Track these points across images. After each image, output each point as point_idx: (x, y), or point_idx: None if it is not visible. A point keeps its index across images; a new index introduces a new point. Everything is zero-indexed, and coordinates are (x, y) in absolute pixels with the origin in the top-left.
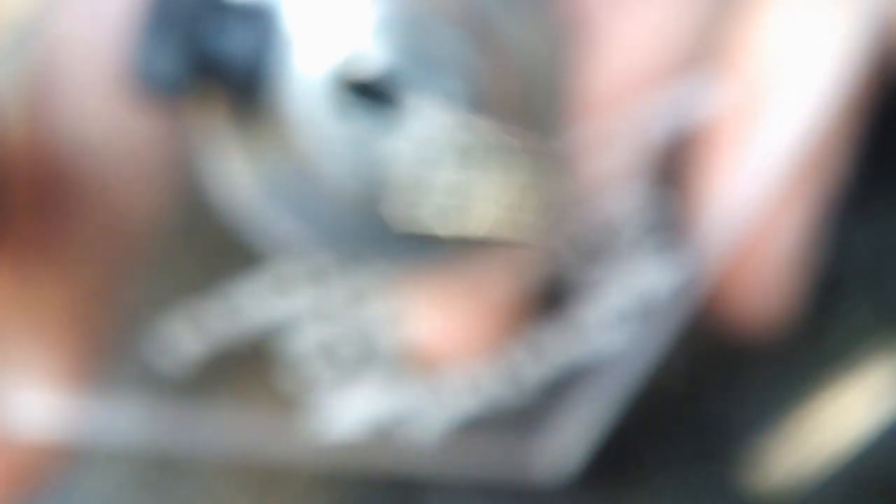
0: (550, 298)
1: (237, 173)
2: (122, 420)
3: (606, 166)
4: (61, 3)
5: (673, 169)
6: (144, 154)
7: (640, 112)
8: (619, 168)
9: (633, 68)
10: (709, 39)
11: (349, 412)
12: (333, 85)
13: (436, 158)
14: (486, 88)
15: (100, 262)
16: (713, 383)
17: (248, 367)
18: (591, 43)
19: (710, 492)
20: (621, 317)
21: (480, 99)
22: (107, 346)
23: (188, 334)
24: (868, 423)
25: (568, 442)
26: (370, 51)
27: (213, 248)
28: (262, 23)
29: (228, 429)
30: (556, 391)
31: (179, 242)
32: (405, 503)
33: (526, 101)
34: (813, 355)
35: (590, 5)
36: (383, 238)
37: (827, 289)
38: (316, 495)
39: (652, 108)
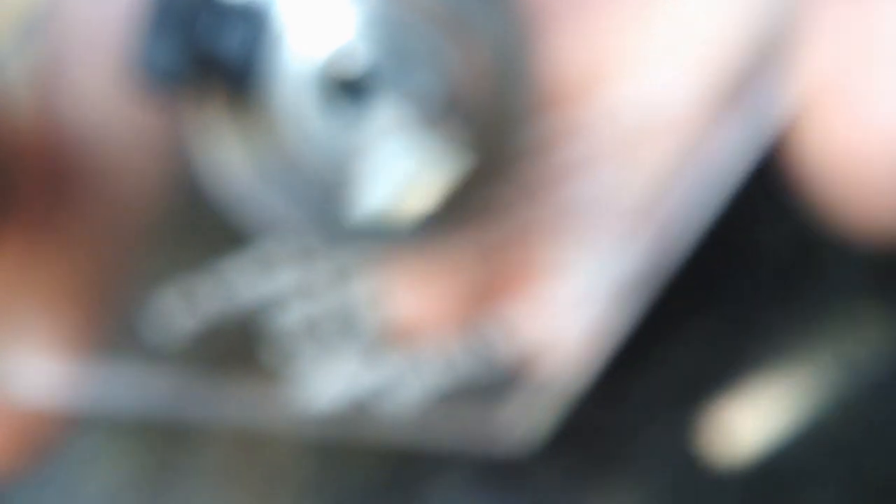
0: (520, 278)
1: (229, 158)
2: (118, 388)
3: (576, 152)
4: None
5: (641, 155)
6: (144, 138)
7: (610, 102)
8: (589, 154)
9: (599, 57)
10: (677, 29)
11: (330, 385)
12: (319, 81)
13: (387, 150)
14: (459, 83)
15: (100, 239)
16: (679, 348)
17: (236, 340)
18: (558, 32)
19: (677, 458)
20: (588, 297)
21: (454, 94)
22: (106, 319)
23: (181, 309)
24: (843, 389)
25: (533, 416)
26: (354, 49)
27: (206, 228)
28: (254, 21)
29: (216, 398)
30: (525, 367)
31: (175, 222)
32: (405, 499)
33: (497, 93)
34: (795, 320)
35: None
36: (363, 223)
37: (804, 250)
38: (316, 495)
39: (621, 98)
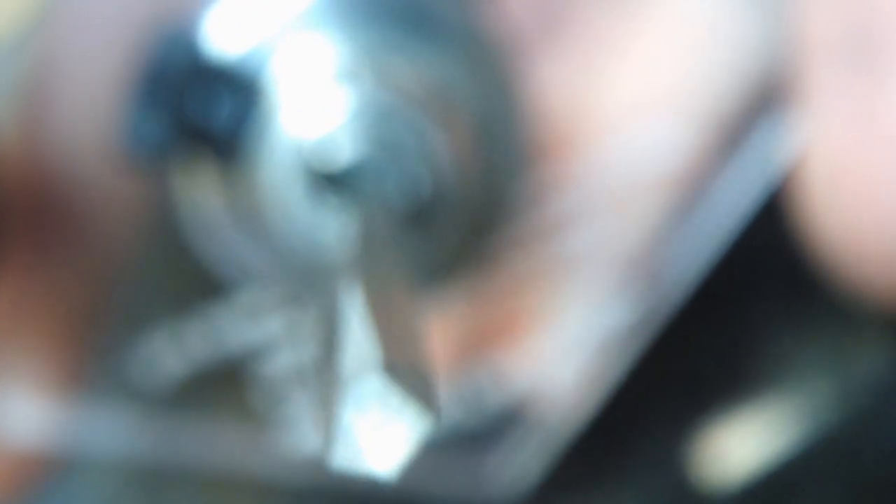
0: (511, 327)
1: (214, 216)
2: (105, 431)
3: (568, 204)
4: (55, 19)
5: (633, 206)
6: (132, 185)
7: (602, 154)
8: (581, 206)
9: (591, 108)
10: (670, 79)
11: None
12: (303, 170)
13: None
14: (449, 165)
15: (88, 281)
16: (697, 391)
17: (225, 385)
18: (547, 85)
19: (673, 489)
20: (579, 347)
21: (443, 176)
22: (94, 361)
23: (170, 354)
24: (843, 413)
25: (523, 462)
26: (339, 140)
27: (194, 275)
28: (245, 93)
29: (204, 442)
30: (515, 415)
31: (165, 268)
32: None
33: (486, 156)
34: (797, 366)
35: (539, 55)
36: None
37: (812, 303)
38: (315, 496)
39: (613, 149)
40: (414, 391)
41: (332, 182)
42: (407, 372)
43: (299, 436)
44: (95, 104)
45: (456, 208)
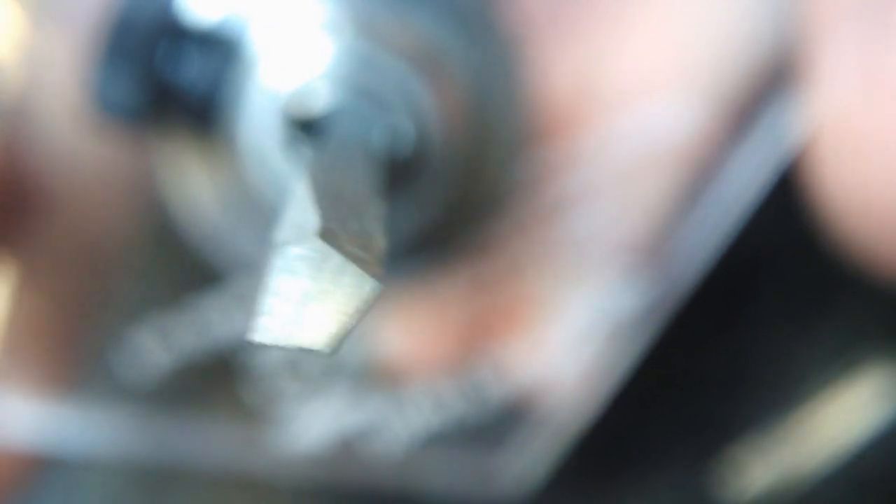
0: (514, 316)
1: (197, 193)
2: (93, 429)
3: (572, 185)
4: (37, 37)
5: (641, 187)
6: (114, 173)
7: (608, 132)
8: (585, 187)
9: (596, 85)
10: (679, 55)
11: (314, 425)
12: (280, 120)
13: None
14: (435, 122)
15: (72, 276)
16: (710, 384)
17: (216, 379)
18: (549, 60)
19: (704, 493)
20: (585, 337)
21: (429, 133)
22: (79, 358)
23: (157, 347)
24: (865, 425)
25: (529, 459)
26: (317, 89)
27: (181, 264)
28: (219, 50)
29: (196, 440)
30: (519, 408)
31: (149, 258)
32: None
33: (481, 127)
34: (812, 356)
35: (542, 26)
36: None
37: (827, 289)
38: (316, 496)
39: (619, 128)
40: (354, 258)
41: (309, 131)
42: (347, 239)
43: (293, 431)
44: (74, 97)
45: (443, 170)
